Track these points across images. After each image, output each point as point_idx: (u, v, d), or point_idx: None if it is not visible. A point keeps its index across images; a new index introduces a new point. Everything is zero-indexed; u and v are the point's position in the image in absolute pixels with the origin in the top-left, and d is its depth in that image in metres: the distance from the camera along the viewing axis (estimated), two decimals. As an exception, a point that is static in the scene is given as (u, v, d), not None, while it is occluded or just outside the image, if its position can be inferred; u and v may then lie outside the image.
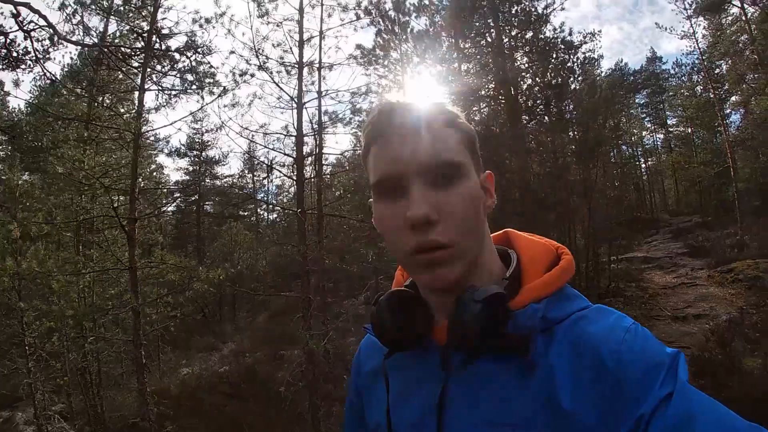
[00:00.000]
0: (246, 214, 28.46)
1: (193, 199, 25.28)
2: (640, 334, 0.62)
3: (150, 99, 29.94)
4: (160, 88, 9.78)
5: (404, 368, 0.79)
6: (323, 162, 11.17)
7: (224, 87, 9.46)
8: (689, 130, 25.81)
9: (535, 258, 0.76)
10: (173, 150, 21.91)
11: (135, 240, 8.46)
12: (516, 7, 13.34)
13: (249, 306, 21.52)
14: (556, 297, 0.70)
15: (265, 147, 10.05)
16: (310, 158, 11.37)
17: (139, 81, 9.43)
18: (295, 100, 9.85)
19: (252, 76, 9.70)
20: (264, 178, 26.54)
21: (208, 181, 25.16)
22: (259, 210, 29.41)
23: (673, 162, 25.90)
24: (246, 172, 26.44)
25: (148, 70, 9.30)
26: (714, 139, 23.76)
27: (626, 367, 0.58)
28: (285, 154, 11.36)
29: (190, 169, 25.20)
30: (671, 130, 29.18)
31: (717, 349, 7.82)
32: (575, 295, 0.73)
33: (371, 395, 0.87)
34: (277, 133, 10.70)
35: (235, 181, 25.81)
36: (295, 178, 10.17)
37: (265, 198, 27.93)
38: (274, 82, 9.78)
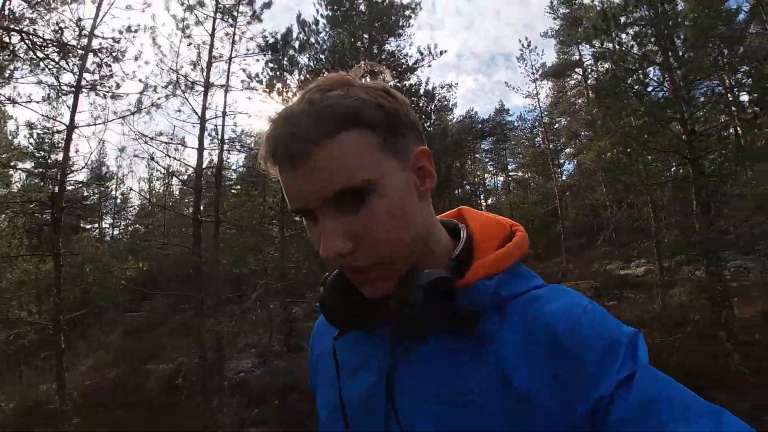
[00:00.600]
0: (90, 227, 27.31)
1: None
2: (597, 312, 0.61)
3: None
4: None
5: (355, 346, 0.77)
6: (223, 174, 11.90)
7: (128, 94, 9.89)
8: (527, 175, 29.51)
9: (487, 234, 0.73)
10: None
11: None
12: (391, 58, 15.11)
13: (101, 324, 20.73)
14: (508, 274, 0.67)
15: (167, 155, 10.48)
16: (211, 170, 12.10)
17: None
18: (199, 115, 10.65)
19: (166, 89, 10.32)
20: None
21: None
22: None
23: (510, 202, 28.86)
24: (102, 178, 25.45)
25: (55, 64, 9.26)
26: (548, 183, 27.08)
27: (583, 345, 0.57)
28: (186, 164, 12.06)
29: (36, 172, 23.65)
30: (511, 174, 32.45)
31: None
32: (529, 273, 0.70)
33: (324, 376, 0.84)
34: (174, 143, 11.30)
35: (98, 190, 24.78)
36: (194, 187, 10.83)
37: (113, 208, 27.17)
38: (185, 98, 10.57)
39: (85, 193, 26.07)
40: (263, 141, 0.66)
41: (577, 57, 23.87)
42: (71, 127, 9.10)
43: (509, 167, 32.89)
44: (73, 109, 9.16)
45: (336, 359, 0.77)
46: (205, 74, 10.78)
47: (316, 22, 14.19)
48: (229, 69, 11.24)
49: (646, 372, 0.56)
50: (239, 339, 11.74)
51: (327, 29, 14.49)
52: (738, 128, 11.14)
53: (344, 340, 0.78)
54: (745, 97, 10.91)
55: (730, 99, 11.22)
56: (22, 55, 8.79)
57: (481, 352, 0.62)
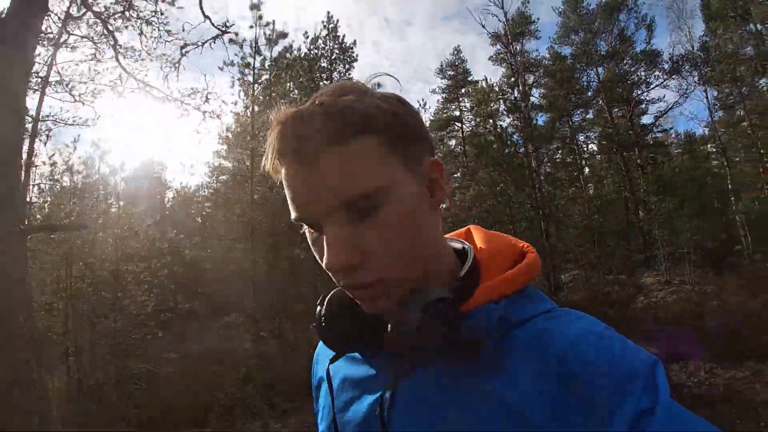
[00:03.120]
0: None
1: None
2: (614, 339, 0.58)
3: None
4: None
5: (351, 372, 0.76)
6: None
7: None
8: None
9: (496, 254, 0.70)
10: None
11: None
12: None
13: None
14: (517, 297, 0.64)
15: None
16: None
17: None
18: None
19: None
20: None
21: None
22: None
23: None
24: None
25: None
26: None
27: (597, 377, 0.54)
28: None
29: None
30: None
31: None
32: (540, 296, 0.67)
33: (319, 403, 0.85)
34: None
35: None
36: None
37: None
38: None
39: None
40: (270, 141, 0.63)
41: (458, 113, 29.23)
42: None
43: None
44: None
45: (330, 384, 0.76)
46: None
47: None
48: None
49: (666, 408, 0.52)
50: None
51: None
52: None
53: (344, 363, 0.77)
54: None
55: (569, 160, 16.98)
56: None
57: (486, 381, 0.59)
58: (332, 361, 0.77)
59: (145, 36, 8.46)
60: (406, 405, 0.66)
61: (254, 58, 16.50)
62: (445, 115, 30.18)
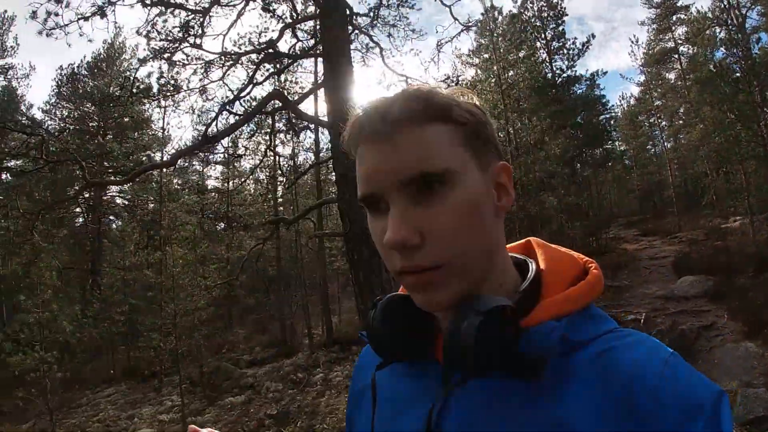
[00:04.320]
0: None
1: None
2: (680, 367, 0.57)
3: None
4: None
5: (399, 381, 0.75)
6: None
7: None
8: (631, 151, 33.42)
9: (558, 270, 0.70)
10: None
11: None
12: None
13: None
14: (579, 316, 0.63)
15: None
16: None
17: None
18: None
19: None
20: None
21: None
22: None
23: (614, 175, 32.57)
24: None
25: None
26: (653, 157, 32.13)
27: (659, 407, 0.53)
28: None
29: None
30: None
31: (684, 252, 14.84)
32: (602, 315, 0.67)
33: (361, 411, 0.83)
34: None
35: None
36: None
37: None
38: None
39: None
40: (351, 122, 0.66)
41: (672, 44, 27.68)
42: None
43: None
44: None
45: (374, 392, 0.75)
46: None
47: None
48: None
49: None
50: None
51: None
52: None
53: (391, 373, 0.75)
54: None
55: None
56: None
57: (545, 402, 0.58)
58: (379, 368, 0.75)
59: (393, 36, 10.79)
60: (456, 419, 0.64)
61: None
62: (658, 47, 28.86)
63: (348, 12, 8.71)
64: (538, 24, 21.82)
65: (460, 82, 12.24)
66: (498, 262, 0.69)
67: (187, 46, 9.21)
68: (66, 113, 24.98)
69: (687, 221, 22.58)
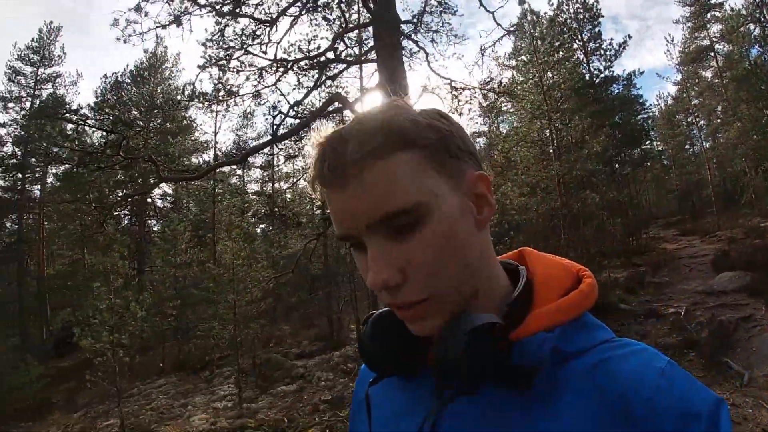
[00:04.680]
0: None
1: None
2: (677, 376, 0.57)
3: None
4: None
5: (393, 395, 0.76)
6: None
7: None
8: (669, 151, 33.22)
9: (550, 279, 0.69)
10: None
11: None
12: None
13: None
14: (572, 326, 0.63)
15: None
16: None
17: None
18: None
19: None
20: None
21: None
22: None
23: (653, 175, 32.59)
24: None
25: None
26: (691, 157, 31.82)
27: (659, 417, 0.53)
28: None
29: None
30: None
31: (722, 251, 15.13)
32: (596, 324, 0.66)
33: (360, 424, 0.84)
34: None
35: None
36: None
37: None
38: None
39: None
40: (312, 162, 0.65)
41: (708, 42, 27.44)
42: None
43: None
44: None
45: (368, 409, 0.76)
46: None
47: None
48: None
49: None
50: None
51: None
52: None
53: (386, 386, 0.76)
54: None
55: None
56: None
57: (537, 415, 0.58)
58: (372, 383, 0.76)
59: (436, 42, 11.30)
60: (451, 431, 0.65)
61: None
62: (693, 46, 28.79)
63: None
64: (574, 26, 22.19)
65: (501, 84, 12.70)
66: (486, 275, 0.68)
67: (246, 54, 9.96)
68: (110, 118, 26.00)
69: (726, 220, 22.57)
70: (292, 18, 9.86)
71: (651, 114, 30.45)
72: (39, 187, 27.95)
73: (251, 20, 9.58)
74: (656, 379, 0.56)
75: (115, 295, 12.28)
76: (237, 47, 9.86)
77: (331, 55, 9.92)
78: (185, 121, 25.66)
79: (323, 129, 0.65)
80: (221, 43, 9.93)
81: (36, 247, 26.02)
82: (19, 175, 26.50)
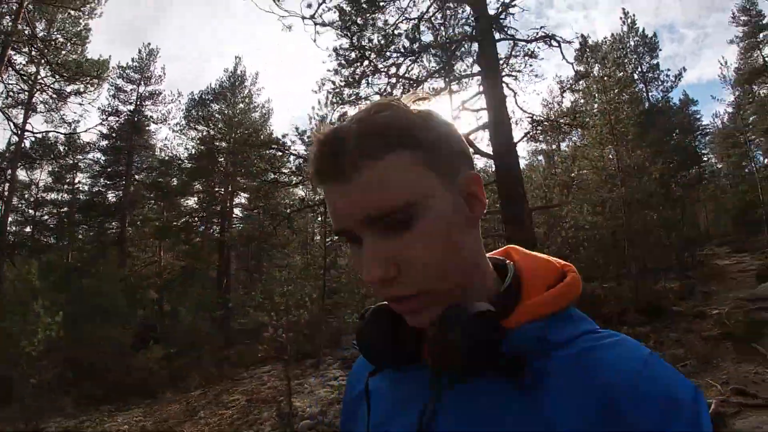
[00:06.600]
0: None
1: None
2: (658, 365, 0.60)
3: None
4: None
5: (392, 387, 0.78)
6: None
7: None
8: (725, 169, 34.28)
9: (537, 273, 0.73)
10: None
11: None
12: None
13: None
14: (558, 317, 0.67)
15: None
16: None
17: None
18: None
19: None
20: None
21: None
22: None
23: (708, 194, 33.54)
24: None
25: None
26: (746, 175, 32.25)
27: (641, 405, 0.56)
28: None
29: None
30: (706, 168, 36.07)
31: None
32: (581, 316, 0.70)
33: (356, 418, 0.85)
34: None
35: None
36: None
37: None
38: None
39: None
40: (310, 160, 0.67)
41: (762, 62, 28.69)
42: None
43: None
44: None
45: (368, 401, 0.78)
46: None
47: None
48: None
49: None
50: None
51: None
52: None
53: (382, 379, 0.78)
54: None
55: None
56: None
57: (527, 401, 0.61)
58: (371, 375, 0.78)
59: (518, 80, 13.73)
60: (446, 421, 0.67)
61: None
62: (747, 67, 29.60)
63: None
64: (634, 57, 24.64)
65: (575, 118, 15.01)
66: (477, 270, 0.72)
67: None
68: (196, 134, 29.02)
69: (778, 239, 23.91)
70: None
71: (708, 132, 32.20)
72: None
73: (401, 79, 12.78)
74: (639, 367, 0.59)
75: (288, 282, 14.27)
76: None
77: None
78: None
79: (322, 127, 0.67)
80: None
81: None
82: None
